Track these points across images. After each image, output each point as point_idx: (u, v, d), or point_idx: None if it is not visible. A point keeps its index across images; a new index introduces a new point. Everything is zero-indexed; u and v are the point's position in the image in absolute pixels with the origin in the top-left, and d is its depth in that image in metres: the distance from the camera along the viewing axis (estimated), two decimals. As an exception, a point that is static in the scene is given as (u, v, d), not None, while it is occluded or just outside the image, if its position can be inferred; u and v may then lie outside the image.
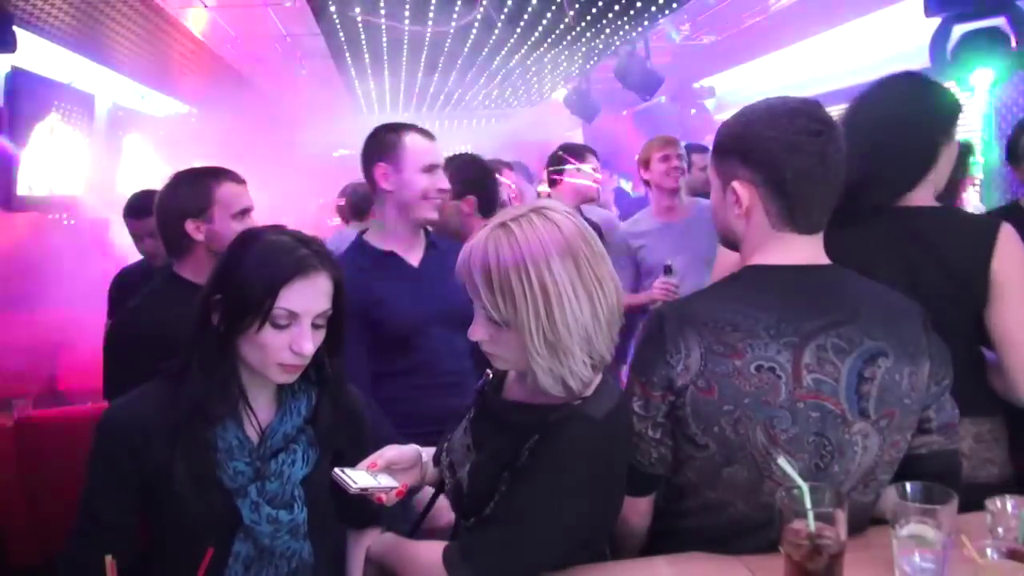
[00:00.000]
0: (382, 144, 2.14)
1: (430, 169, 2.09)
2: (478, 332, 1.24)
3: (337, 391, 1.44)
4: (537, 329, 1.16)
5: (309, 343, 1.28)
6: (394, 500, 1.33)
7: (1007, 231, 1.59)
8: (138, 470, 1.29)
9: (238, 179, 2.03)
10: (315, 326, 1.30)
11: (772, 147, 1.28)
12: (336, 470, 1.28)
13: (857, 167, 1.62)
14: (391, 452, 1.36)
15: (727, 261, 2.59)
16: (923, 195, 1.69)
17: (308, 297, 1.28)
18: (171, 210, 1.97)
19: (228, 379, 1.32)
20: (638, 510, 1.39)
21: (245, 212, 2.00)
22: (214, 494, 1.30)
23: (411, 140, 2.11)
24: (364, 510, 1.47)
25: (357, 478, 1.27)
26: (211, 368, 1.30)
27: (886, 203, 1.67)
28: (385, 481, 1.30)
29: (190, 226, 1.94)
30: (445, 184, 2.13)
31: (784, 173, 1.27)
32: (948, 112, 1.72)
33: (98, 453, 1.31)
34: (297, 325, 1.28)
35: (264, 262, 1.28)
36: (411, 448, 1.41)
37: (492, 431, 1.32)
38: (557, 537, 1.20)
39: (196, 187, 1.97)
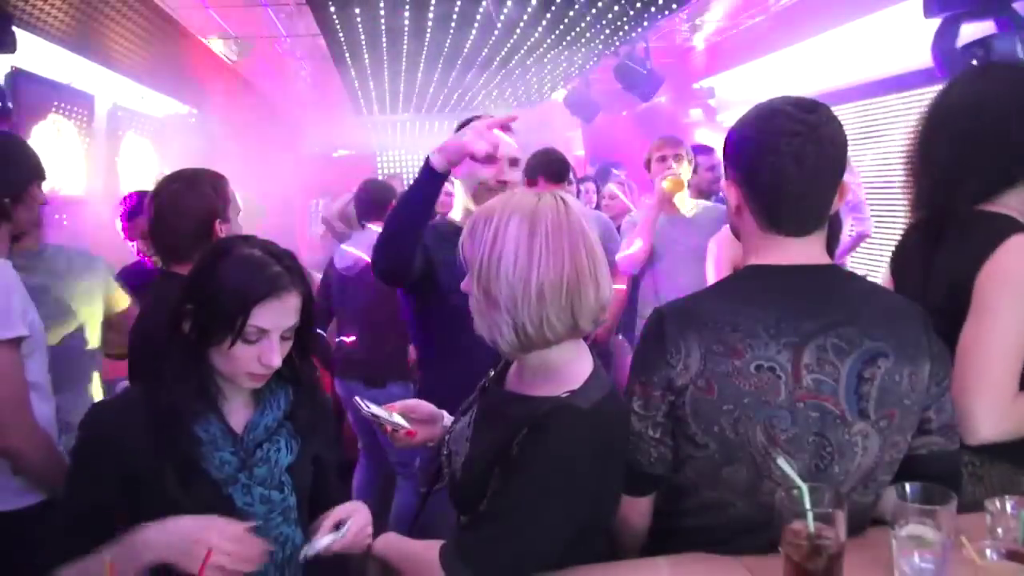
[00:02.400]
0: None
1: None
2: (466, 282, 1.29)
3: (311, 388, 1.49)
4: (479, 273, 1.24)
5: (277, 357, 1.32)
6: (402, 440, 1.46)
7: (1014, 242, 1.40)
8: (119, 470, 1.30)
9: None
10: (284, 338, 1.34)
11: (749, 147, 1.29)
12: (356, 397, 1.38)
13: (941, 169, 1.53)
14: (411, 401, 1.49)
15: (725, 250, 2.63)
16: (1016, 202, 1.49)
17: (278, 315, 1.31)
18: (196, 212, 1.97)
19: (203, 382, 1.35)
20: (638, 510, 1.39)
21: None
22: (203, 486, 1.32)
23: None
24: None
25: (374, 408, 1.42)
26: (184, 375, 1.33)
27: (963, 209, 1.49)
28: (399, 420, 1.46)
29: (218, 226, 1.98)
30: (504, 176, 2.07)
31: (759, 174, 1.28)
32: None
33: (80, 450, 1.34)
34: (266, 340, 1.31)
35: (237, 280, 1.30)
36: (431, 406, 1.51)
37: (488, 423, 1.34)
38: (551, 530, 1.21)
39: (219, 189, 2.02)
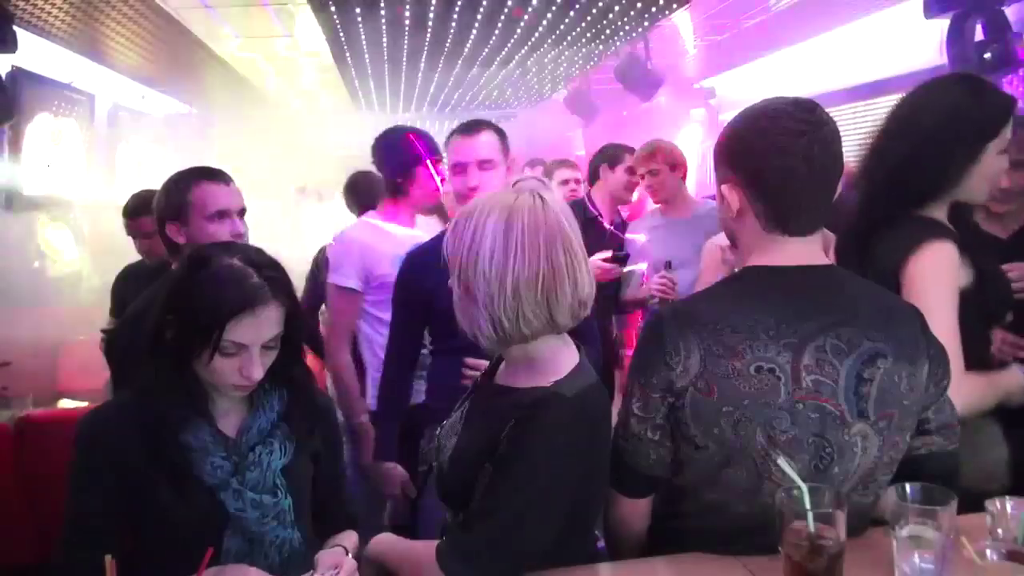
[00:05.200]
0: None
1: (456, 169, 2.07)
2: (451, 279, 1.31)
3: (306, 388, 1.46)
4: (458, 270, 1.26)
5: (258, 369, 1.30)
6: None
7: (933, 247, 1.53)
8: (117, 476, 1.29)
9: (220, 179, 1.98)
10: (266, 348, 1.32)
11: (754, 150, 1.28)
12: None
13: (878, 173, 1.65)
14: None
15: (713, 258, 2.67)
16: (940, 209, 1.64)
17: (256, 329, 1.28)
18: (157, 213, 1.97)
19: (190, 389, 1.33)
20: (638, 511, 1.39)
21: (222, 214, 1.93)
22: (195, 492, 1.30)
23: (450, 141, 2.12)
24: (339, 515, 1.53)
25: None
26: (170, 383, 1.31)
27: (898, 214, 1.62)
28: None
29: (171, 229, 1.93)
30: (472, 183, 2.06)
31: (766, 175, 1.27)
32: (985, 117, 1.60)
33: (77, 461, 1.32)
34: (246, 353, 1.29)
35: (211, 294, 1.27)
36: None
37: (477, 417, 1.35)
38: (544, 521, 1.21)
39: (174, 189, 1.95)
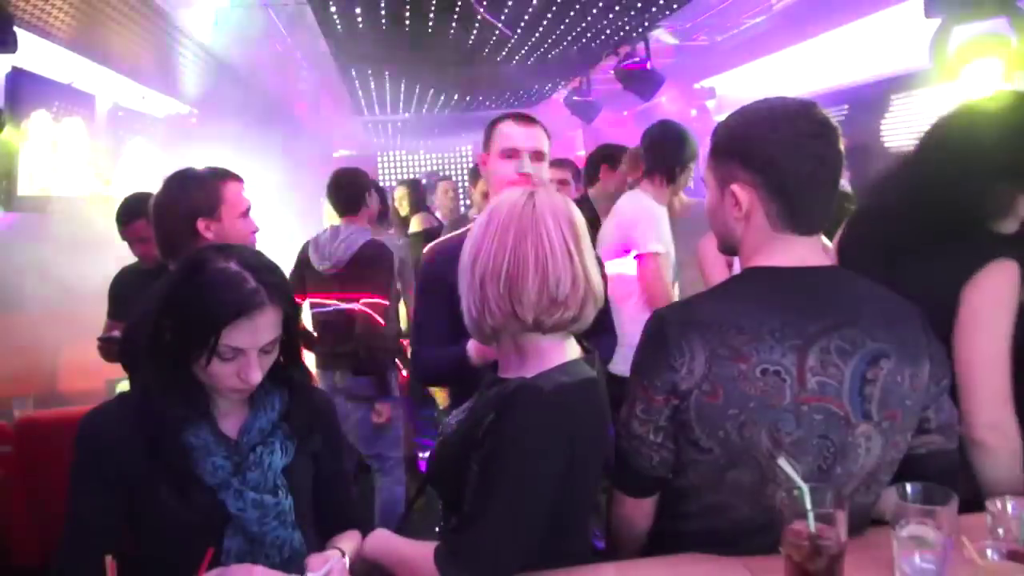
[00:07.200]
0: (485, 135, 2.15)
1: (510, 154, 2.03)
2: None
3: (306, 389, 1.47)
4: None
5: (256, 373, 1.30)
6: None
7: (999, 266, 1.44)
8: (117, 476, 1.30)
9: (240, 179, 2.06)
10: (264, 351, 1.31)
11: (773, 150, 1.27)
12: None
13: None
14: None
15: (710, 256, 2.72)
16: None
17: (252, 334, 1.28)
18: (180, 210, 1.97)
19: (190, 390, 1.33)
20: (641, 510, 1.39)
21: (248, 211, 2.05)
22: (196, 492, 1.31)
23: (500, 126, 2.09)
24: (341, 515, 1.52)
25: None
26: (169, 384, 1.31)
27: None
28: None
29: (201, 225, 1.95)
30: (529, 169, 2.00)
31: (785, 175, 1.27)
32: None
33: (78, 460, 1.32)
34: (243, 357, 1.29)
35: (207, 300, 1.26)
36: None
37: (476, 406, 1.36)
38: (526, 518, 1.22)
39: (206, 187, 1.99)
